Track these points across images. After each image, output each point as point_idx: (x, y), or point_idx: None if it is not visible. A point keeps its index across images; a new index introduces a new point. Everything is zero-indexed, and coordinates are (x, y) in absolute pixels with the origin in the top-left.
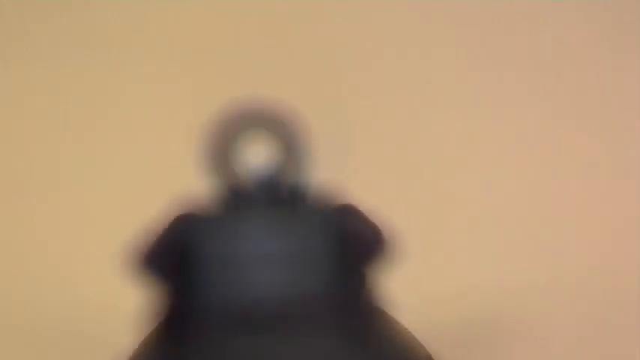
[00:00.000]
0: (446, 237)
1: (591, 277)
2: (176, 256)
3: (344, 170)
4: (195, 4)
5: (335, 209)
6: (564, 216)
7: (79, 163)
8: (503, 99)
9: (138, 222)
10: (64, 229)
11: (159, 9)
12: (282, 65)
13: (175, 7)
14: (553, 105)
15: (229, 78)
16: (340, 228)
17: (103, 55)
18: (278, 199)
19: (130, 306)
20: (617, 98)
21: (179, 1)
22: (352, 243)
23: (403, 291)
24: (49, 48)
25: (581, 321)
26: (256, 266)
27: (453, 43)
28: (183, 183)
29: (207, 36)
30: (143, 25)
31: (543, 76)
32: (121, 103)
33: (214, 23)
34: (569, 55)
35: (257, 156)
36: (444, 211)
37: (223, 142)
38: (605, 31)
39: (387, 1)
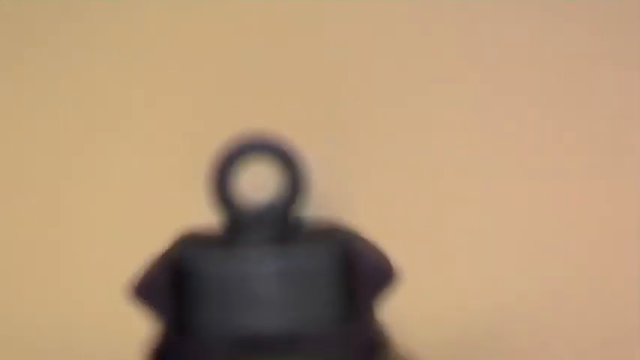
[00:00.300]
0: (447, 243)
1: (593, 280)
2: (174, 288)
3: (345, 187)
4: (198, 13)
5: (342, 242)
6: (566, 219)
7: (79, 171)
8: (504, 101)
9: (136, 235)
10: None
11: (162, 13)
12: (284, 71)
13: (179, 13)
14: (554, 107)
15: (231, 87)
16: (349, 261)
17: (105, 58)
18: (281, 231)
19: (131, 327)
20: (617, 98)
21: (183, 7)
22: (363, 277)
23: (406, 303)
24: (50, 51)
25: (583, 326)
26: (258, 302)
27: (453, 44)
28: (184, 193)
29: (210, 44)
30: (146, 28)
31: (544, 77)
32: (123, 109)
33: (218, 31)
34: (569, 55)
35: (260, 186)
36: (443, 217)
37: (225, 172)
38: (605, 31)
39: (387, 3)
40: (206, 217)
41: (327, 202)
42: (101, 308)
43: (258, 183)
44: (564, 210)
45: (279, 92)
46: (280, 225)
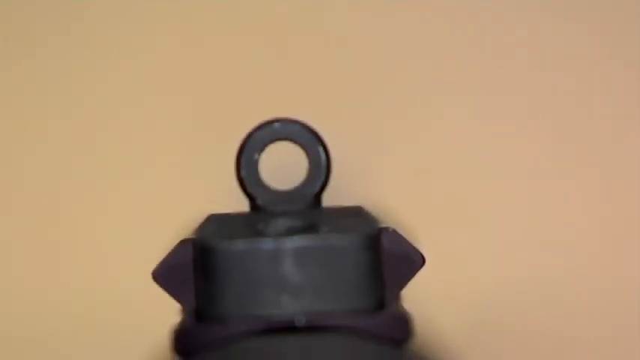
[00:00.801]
0: (452, 236)
1: (598, 270)
2: (197, 272)
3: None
4: (204, 9)
5: (369, 228)
6: (570, 213)
7: (88, 165)
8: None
9: (143, 225)
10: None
11: (164, 12)
12: (291, 69)
13: (185, 11)
14: (555, 107)
15: (246, 76)
16: (376, 248)
17: (106, 56)
18: (307, 216)
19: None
20: (617, 97)
21: (187, 5)
22: (390, 264)
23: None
24: (52, 49)
25: (585, 316)
26: (283, 287)
27: (453, 43)
28: (200, 180)
29: (231, 34)
30: (147, 27)
31: (545, 76)
32: (127, 105)
33: (237, 20)
34: (570, 55)
35: (286, 171)
36: (449, 210)
37: (253, 157)
38: (605, 32)
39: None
40: (223, 203)
41: (351, 189)
42: (122, 294)
43: (284, 168)
44: (570, 206)
45: (287, 92)
46: (306, 210)
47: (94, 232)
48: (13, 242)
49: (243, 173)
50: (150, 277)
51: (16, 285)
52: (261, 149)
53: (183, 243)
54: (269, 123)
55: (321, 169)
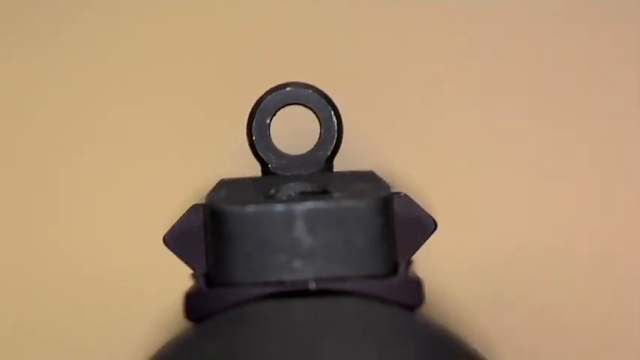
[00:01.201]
0: (463, 204)
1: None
2: (208, 236)
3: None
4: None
5: (382, 192)
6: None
7: (96, 131)
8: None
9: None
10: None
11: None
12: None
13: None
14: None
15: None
16: (388, 212)
17: (108, 55)
18: (319, 180)
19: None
20: (618, 97)
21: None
22: (403, 229)
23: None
24: (52, 47)
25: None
26: (295, 251)
27: (453, 41)
28: (210, 144)
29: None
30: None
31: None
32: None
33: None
34: (570, 55)
35: (299, 135)
36: (460, 178)
37: (264, 120)
38: (605, 32)
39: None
40: (234, 168)
41: (362, 154)
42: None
43: (296, 132)
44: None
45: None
46: (318, 174)
47: (104, 201)
48: (21, 212)
49: (254, 137)
50: (161, 244)
51: (32, 254)
52: (273, 113)
53: (194, 208)
54: (280, 87)
55: (332, 133)
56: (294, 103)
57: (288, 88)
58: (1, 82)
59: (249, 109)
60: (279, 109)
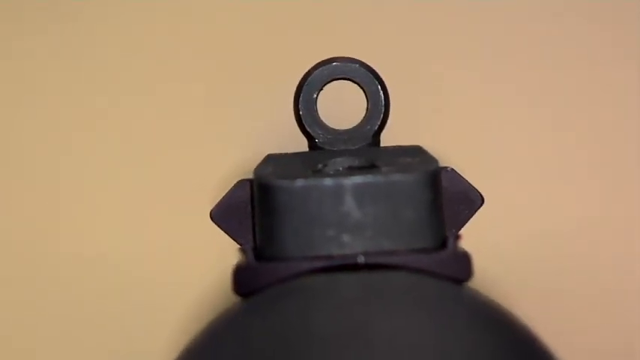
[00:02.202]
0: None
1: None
2: (255, 211)
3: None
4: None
5: (430, 166)
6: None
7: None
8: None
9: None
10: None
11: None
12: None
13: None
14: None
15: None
16: (436, 187)
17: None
18: (367, 155)
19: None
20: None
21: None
22: (451, 204)
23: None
24: (55, 46)
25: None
26: (343, 225)
27: (454, 40)
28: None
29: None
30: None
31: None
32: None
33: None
34: (571, 54)
35: (346, 110)
36: (502, 156)
37: (311, 96)
38: (605, 32)
39: None
40: (281, 144)
41: (408, 130)
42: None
43: (343, 107)
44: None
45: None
46: (365, 149)
47: (148, 175)
48: (41, 197)
49: (301, 112)
50: (207, 220)
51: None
52: (320, 88)
53: (240, 183)
54: (328, 62)
55: (379, 107)
56: (341, 78)
57: (334, 63)
58: (1, 82)
59: (296, 84)
60: (326, 84)
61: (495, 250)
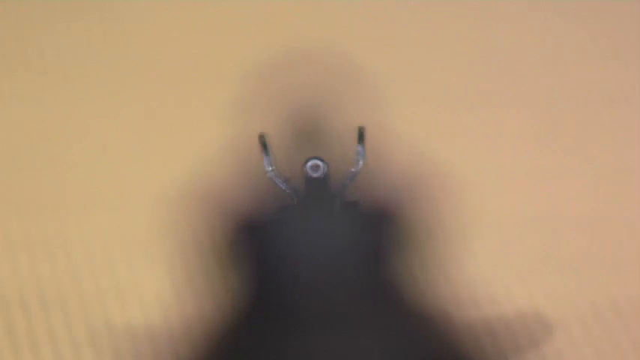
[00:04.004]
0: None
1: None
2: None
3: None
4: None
5: (384, 207)
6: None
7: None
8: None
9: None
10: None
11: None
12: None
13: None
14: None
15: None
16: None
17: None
18: (333, 199)
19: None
20: (618, 97)
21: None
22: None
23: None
24: (59, 45)
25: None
26: (310, 265)
27: (457, 43)
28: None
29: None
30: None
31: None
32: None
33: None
34: (571, 54)
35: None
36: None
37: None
38: (605, 32)
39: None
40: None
41: (407, 132)
42: None
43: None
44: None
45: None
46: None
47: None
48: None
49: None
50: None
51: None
52: None
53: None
54: None
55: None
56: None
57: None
58: (2, 80)
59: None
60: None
61: (495, 250)
